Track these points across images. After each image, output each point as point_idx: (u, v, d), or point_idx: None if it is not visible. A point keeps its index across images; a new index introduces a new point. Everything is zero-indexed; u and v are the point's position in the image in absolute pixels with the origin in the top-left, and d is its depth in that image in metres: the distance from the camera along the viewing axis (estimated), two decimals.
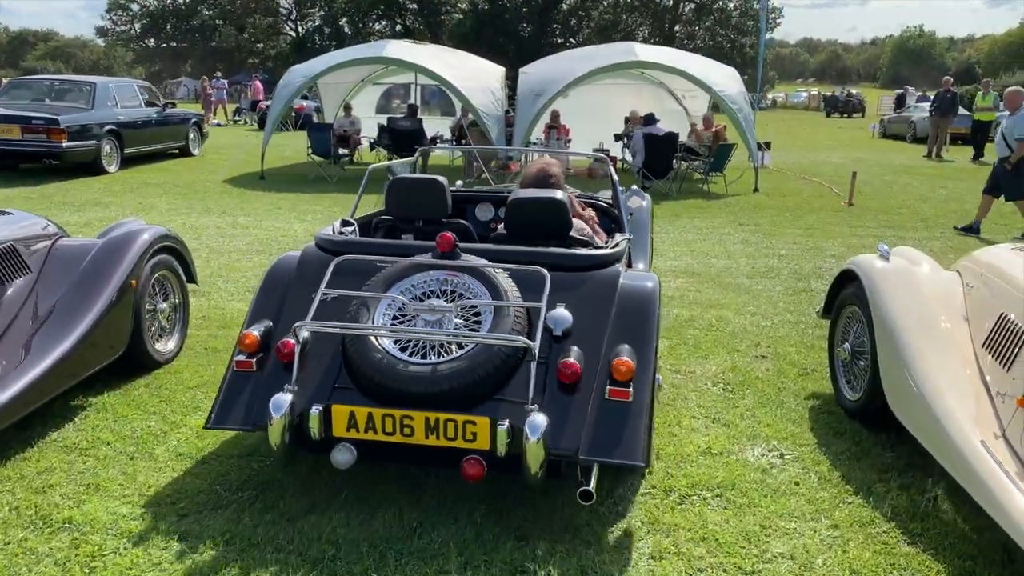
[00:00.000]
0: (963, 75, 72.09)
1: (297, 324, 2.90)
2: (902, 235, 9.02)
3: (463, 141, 14.33)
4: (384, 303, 3.00)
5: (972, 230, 9.31)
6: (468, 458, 2.68)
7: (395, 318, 2.98)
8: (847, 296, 4.01)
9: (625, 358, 2.84)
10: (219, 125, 27.38)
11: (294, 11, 60.86)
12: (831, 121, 40.34)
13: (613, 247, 3.41)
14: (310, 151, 13.53)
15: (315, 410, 2.75)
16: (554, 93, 12.77)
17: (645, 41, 42.25)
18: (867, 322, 3.73)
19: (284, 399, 2.75)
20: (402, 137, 13.64)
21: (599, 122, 15.66)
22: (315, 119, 18.07)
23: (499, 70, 15.04)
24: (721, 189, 12.60)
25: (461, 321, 2.94)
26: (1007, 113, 9.38)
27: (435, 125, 16.39)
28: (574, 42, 47.29)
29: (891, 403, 3.35)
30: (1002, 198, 9.28)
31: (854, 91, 48.18)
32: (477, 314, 2.96)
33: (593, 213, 4.32)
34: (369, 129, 15.54)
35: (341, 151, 14.04)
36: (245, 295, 6.02)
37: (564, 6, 52.69)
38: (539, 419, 2.62)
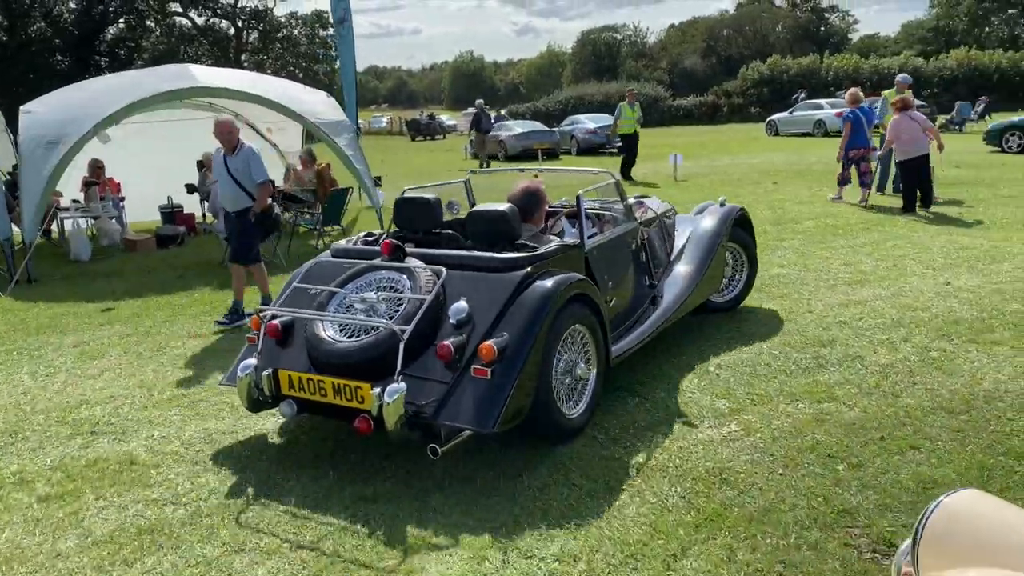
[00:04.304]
0: (513, 94, 79.36)
1: (258, 308, 4.06)
2: None
3: None
4: (339, 295, 3.88)
5: None
6: (359, 416, 3.40)
7: (347, 308, 3.81)
8: None
9: (490, 343, 3.44)
10: None
11: None
12: (419, 145, 40.09)
13: (526, 254, 3.98)
14: None
15: (267, 372, 3.72)
16: (79, 137, 8.74)
17: None
18: None
19: (250, 363, 3.77)
20: None
21: (164, 172, 11.91)
22: None
23: None
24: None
25: (385, 309, 3.71)
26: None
27: None
28: None
29: None
30: None
31: (437, 114, 48.94)
32: (400, 303, 3.69)
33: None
34: None
35: None
36: None
37: (108, 35, 45.43)
38: (396, 386, 3.33)
